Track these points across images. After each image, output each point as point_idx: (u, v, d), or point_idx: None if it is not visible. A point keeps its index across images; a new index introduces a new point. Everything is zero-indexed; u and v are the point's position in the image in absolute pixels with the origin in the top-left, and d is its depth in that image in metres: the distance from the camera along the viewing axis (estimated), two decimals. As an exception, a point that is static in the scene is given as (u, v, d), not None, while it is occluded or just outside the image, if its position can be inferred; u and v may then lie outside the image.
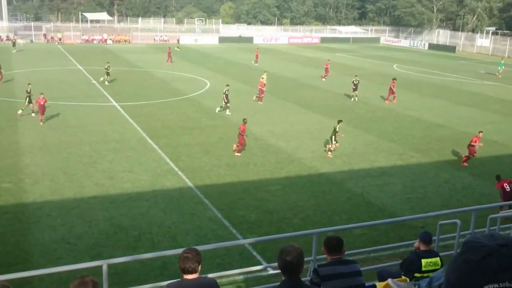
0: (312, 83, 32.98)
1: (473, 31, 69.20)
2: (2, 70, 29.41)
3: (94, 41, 61.02)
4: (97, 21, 69.37)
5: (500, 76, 40.24)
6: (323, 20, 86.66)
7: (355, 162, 17.17)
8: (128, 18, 76.44)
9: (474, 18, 70.89)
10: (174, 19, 78.23)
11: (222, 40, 65.97)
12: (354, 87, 27.75)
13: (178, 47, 53.20)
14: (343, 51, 58.59)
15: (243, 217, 12.34)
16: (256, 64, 43.13)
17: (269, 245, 10.03)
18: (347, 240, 6.75)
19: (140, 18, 73.91)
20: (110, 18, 72.75)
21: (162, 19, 76.26)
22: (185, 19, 76.84)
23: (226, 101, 23.40)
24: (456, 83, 35.60)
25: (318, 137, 20.15)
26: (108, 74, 30.63)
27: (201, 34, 68.18)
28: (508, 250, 1.13)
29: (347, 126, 22.08)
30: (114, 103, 25.36)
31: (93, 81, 31.53)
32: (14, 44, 47.04)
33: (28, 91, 22.31)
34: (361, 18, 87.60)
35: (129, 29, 66.08)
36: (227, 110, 23.61)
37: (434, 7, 72.59)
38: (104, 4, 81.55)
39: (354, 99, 27.74)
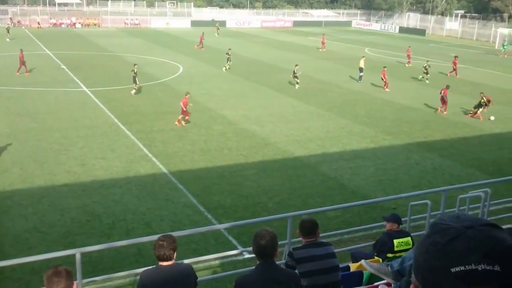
0: (285, 66, 32.92)
1: (442, 14, 70.26)
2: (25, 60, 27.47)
3: (63, 25, 59.20)
4: (65, 5, 67.27)
5: (506, 56, 44.04)
6: (295, 3, 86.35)
7: (329, 145, 17.35)
8: (98, 1, 74.30)
9: (444, 1, 71.94)
10: (144, 2, 76.53)
11: (195, 23, 65.00)
12: (425, 71, 29.60)
13: (217, 33, 52.00)
14: (315, 35, 58.63)
15: (218, 202, 12.35)
16: (324, 50, 43.25)
17: (245, 229, 10.09)
18: (321, 223, 6.85)
19: (109, 1, 71.93)
20: (78, 1, 70.55)
21: (133, 2, 74.45)
22: (156, 2, 75.24)
23: (296, 78, 26.24)
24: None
25: (292, 120, 20.25)
26: (229, 60, 30.95)
27: (173, 18, 67.00)
28: (473, 232, 1.12)
29: (320, 110, 22.29)
30: (85, 88, 24.78)
31: (62, 66, 30.67)
32: (8, 31, 43.02)
33: (135, 71, 23.21)
34: (333, 2, 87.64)
35: (98, 12, 64.31)
36: (297, 84, 26.36)
37: (405, -9, 73.32)
38: (72, -14, 78.79)
39: (424, 80, 29.52)
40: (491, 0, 70.21)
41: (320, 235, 5.73)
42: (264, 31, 62.04)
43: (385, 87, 27.36)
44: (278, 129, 18.93)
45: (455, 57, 32.50)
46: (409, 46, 38.69)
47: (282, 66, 33.30)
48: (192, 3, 76.12)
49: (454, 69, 31.79)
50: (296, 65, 26.54)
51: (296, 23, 71.31)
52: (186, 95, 19.03)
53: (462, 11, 69.07)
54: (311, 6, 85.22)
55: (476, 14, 70.25)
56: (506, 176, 12.63)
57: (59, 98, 22.50)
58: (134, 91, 23.38)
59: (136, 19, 63.82)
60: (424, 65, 29.97)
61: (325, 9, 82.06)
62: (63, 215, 11.30)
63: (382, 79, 27.11)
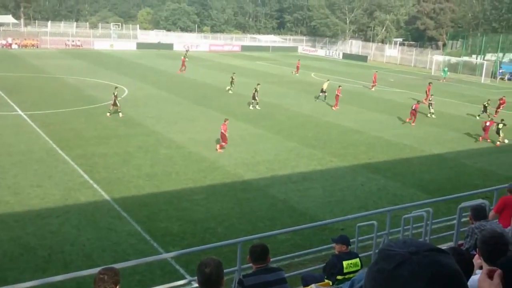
0: (234, 90, 33.03)
1: (382, 42, 73.90)
2: None
3: (-3, 45, 56.70)
4: (1, 24, 64.61)
5: (444, 81, 46.18)
6: (243, 28, 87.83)
7: (278, 168, 17.34)
8: (36, 21, 72.00)
9: (383, 29, 75.80)
10: (87, 23, 74.97)
11: (140, 46, 64.34)
12: (430, 104, 28.88)
13: (186, 57, 49.59)
14: (263, 59, 59.64)
15: (165, 229, 11.87)
16: (297, 75, 44.22)
17: (193, 257, 9.68)
18: (272, 246, 6.67)
19: (49, 22, 69.90)
20: (15, 21, 68.00)
21: (74, 23, 72.72)
22: (100, 24, 73.92)
23: (255, 97, 27.02)
24: (369, 91, 37.61)
25: (240, 144, 20.13)
26: (232, 83, 32.08)
27: (118, 40, 65.94)
28: (418, 258, 1.12)
29: (269, 133, 22.37)
30: (20, 112, 23.50)
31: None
32: None
33: (115, 94, 23.46)
34: (280, 28, 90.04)
35: (37, 33, 62.22)
36: (251, 105, 27.32)
37: (347, 19, 76.54)
38: (9, 6, 76.12)
39: (431, 116, 28.09)
40: (427, 30, 74.85)
41: (271, 259, 5.55)
42: (212, 55, 62.33)
43: (334, 106, 28.64)
44: (227, 153, 18.73)
45: (429, 83, 33.55)
46: (376, 71, 40.75)
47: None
48: (138, 26, 75.38)
49: (427, 95, 31.64)
50: (258, 84, 28.00)
51: (244, 48, 72.30)
52: (225, 121, 19.03)
53: (400, 39, 73.04)
54: (259, 31, 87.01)
55: (414, 42, 74.58)
56: (446, 195, 13.15)
57: (-8, 122, 21.16)
58: (108, 113, 23.38)
59: (78, 40, 62.26)
60: (430, 99, 29.93)
61: (272, 35, 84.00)
62: (-8, 249, 10.39)
63: (336, 97, 28.58)
